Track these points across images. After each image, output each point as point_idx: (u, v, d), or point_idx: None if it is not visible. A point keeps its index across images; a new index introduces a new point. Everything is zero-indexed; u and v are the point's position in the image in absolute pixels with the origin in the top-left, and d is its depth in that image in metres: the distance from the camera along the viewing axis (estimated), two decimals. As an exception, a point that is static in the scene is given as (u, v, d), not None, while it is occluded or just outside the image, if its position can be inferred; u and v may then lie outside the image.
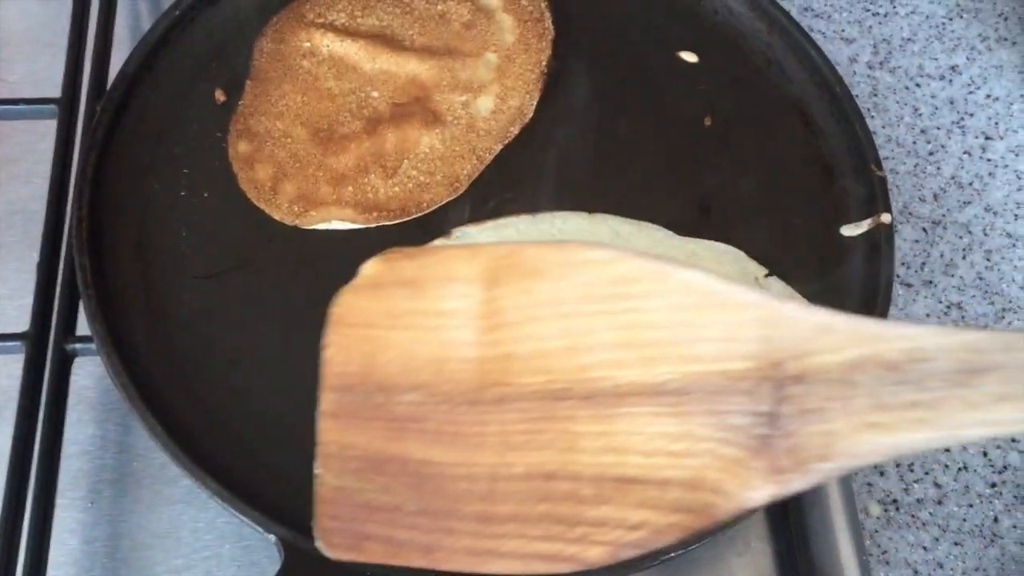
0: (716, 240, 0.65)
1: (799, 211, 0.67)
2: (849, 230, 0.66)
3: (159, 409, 0.56)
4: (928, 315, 0.75)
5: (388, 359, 0.43)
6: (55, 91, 0.70)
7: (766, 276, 0.64)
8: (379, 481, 0.42)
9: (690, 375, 0.38)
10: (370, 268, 0.45)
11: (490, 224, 0.65)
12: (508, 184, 0.67)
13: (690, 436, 0.38)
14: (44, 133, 0.71)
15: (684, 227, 0.66)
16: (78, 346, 0.61)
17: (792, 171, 0.68)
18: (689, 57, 0.72)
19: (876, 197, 0.65)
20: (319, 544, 0.44)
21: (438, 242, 0.64)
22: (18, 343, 0.61)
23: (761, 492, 0.37)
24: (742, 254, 0.65)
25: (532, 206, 0.66)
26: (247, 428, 0.58)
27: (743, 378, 0.37)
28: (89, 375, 0.66)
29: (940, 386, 0.34)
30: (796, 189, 0.68)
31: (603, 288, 0.40)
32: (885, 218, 0.64)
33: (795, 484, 0.37)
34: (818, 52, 0.70)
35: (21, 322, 0.62)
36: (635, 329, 0.39)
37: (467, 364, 0.42)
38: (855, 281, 0.64)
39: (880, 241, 0.64)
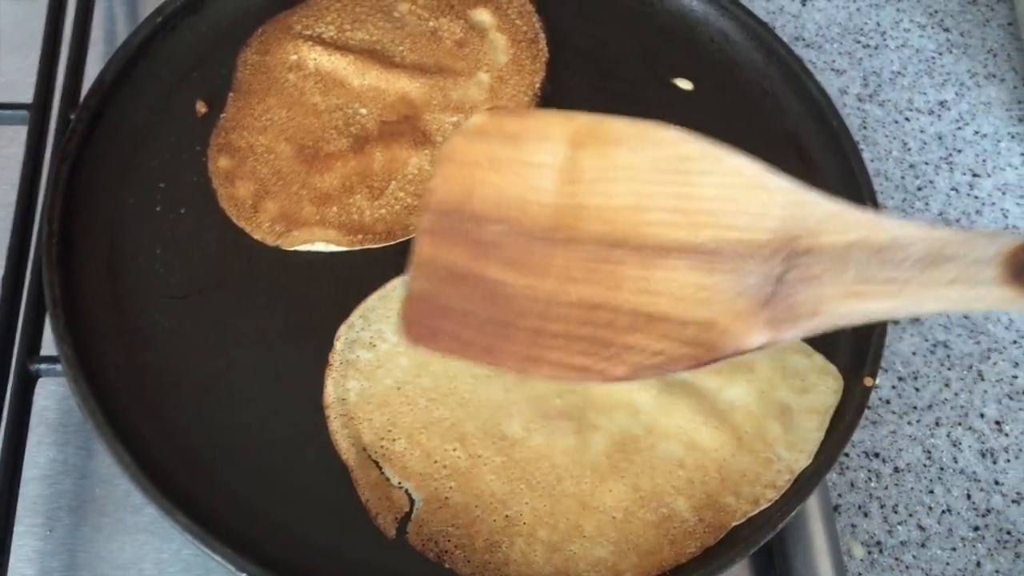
0: (708, 273, 0.64)
1: (792, 246, 0.66)
2: (843, 267, 0.65)
3: (127, 436, 0.53)
4: (914, 353, 0.74)
5: (483, 194, 0.51)
6: (25, 96, 0.67)
7: (759, 313, 0.63)
8: (459, 291, 0.51)
9: (725, 240, 0.46)
10: (479, 118, 0.52)
11: (478, 250, 0.63)
12: (497, 209, 0.65)
13: (714, 288, 0.46)
14: (11, 138, 0.68)
15: (676, 259, 0.64)
16: (42, 367, 0.58)
17: (786, 205, 0.67)
18: (684, 85, 0.71)
19: (871, 235, 0.64)
20: (402, 332, 0.52)
21: (424, 267, 0.62)
22: (-22, 362, 0.57)
23: (759, 337, 0.46)
24: (735, 289, 0.63)
25: (521, 233, 0.64)
26: (218, 458, 0.55)
27: (765, 246, 0.45)
28: (50, 395, 0.63)
29: (911, 267, 0.42)
30: (790, 224, 0.66)
31: (669, 162, 0.48)
32: (880, 257, 0.63)
33: (787, 334, 0.45)
34: (815, 85, 0.69)
35: (-19, 338, 0.59)
36: (689, 199, 0.47)
37: (546, 208, 0.50)
38: (849, 321, 0.63)
39: (875, 280, 0.63)
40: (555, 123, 0.50)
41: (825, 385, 0.61)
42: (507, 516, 0.55)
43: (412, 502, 0.55)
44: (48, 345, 0.58)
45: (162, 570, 0.60)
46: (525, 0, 0.73)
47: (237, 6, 0.69)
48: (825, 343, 0.62)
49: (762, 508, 0.56)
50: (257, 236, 0.62)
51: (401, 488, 0.55)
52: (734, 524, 0.56)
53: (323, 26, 0.70)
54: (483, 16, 0.72)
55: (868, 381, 0.59)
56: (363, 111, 0.67)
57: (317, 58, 0.68)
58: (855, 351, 0.61)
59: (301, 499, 0.55)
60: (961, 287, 0.42)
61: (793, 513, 0.56)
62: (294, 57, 0.68)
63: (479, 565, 0.54)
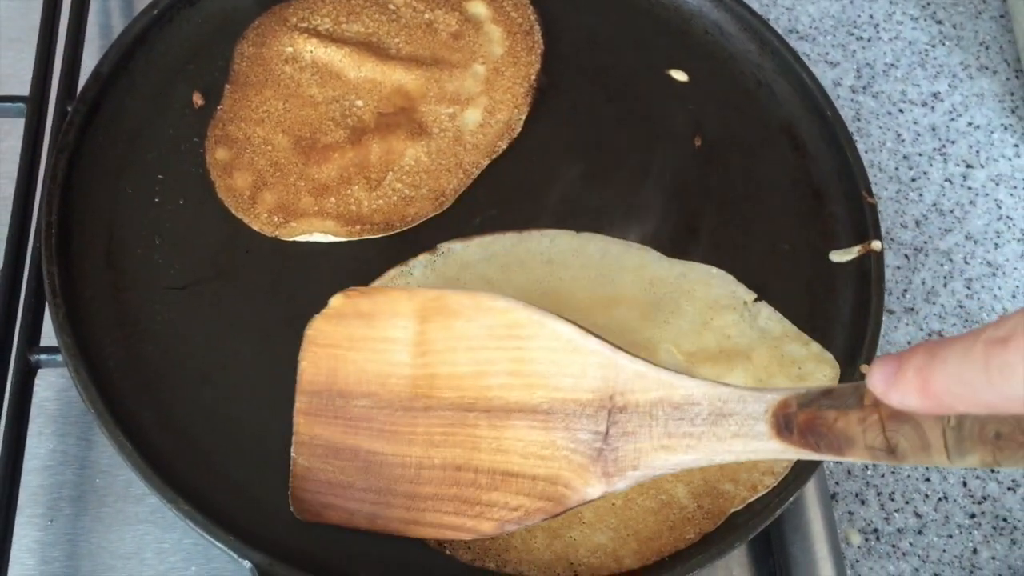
0: (705, 262, 0.64)
1: (788, 235, 0.66)
2: (838, 256, 0.65)
3: (128, 426, 0.53)
4: (909, 342, 0.75)
5: (347, 372, 0.55)
6: (21, 88, 0.67)
7: (755, 301, 0.63)
8: (337, 464, 0.55)
9: (555, 400, 0.51)
10: (336, 301, 0.56)
11: (476, 240, 0.63)
12: (495, 200, 0.65)
13: (552, 445, 0.51)
14: (8, 131, 0.68)
15: (673, 248, 0.65)
16: (42, 357, 0.58)
17: (782, 195, 0.68)
18: (679, 76, 0.71)
19: (867, 224, 0.65)
20: (293, 509, 0.55)
21: (423, 258, 0.63)
22: (-22, 353, 0.57)
23: (596, 489, 0.50)
24: (731, 278, 0.64)
25: (519, 223, 0.64)
26: (219, 447, 0.56)
27: (588, 405, 0.50)
28: (50, 386, 0.63)
29: (702, 424, 0.47)
30: (785, 213, 0.67)
31: (501, 329, 0.53)
32: (876, 245, 0.64)
33: (618, 485, 0.49)
34: (809, 75, 0.70)
35: (-20, 330, 0.59)
36: (521, 362, 0.52)
37: (403, 379, 0.54)
38: (845, 308, 0.63)
39: (870, 268, 0.63)
40: (402, 300, 0.54)
41: (821, 373, 0.61)
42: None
43: (412, 490, 0.55)
44: (47, 336, 0.59)
45: (163, 560, 0.60)
46: (520, -8, 0.73)
47: (233, -2, 0.69)
48: (822, 332, 0.63)
49: (760, 495, 0.57)
50: (255, 227, 0.63)
51: (401, 476, 0.56)
52: (732, 510, 0.57)
53: (319, 18, 0.71)
54: (478, 8, 0.72)
55: (864, 369, 0.60)
56: (359, 103, 0.67)
57: (313, 50, 0.68)
58: (851, 339, 0.62)
59: (302, 487, 0.55)
60: (742, 440, 0.46)
61: (791, 500, 0.56)
62: (290, 49, 0.69)
63: (480, 551, 0.54)
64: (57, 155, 0.60)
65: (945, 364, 0.34)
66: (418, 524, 0.53)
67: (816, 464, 0.57)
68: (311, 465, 0.55)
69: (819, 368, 0.61)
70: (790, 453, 0.44)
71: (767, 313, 0.63)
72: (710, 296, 0.63)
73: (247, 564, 0.51)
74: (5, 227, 0.62)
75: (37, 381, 0.60)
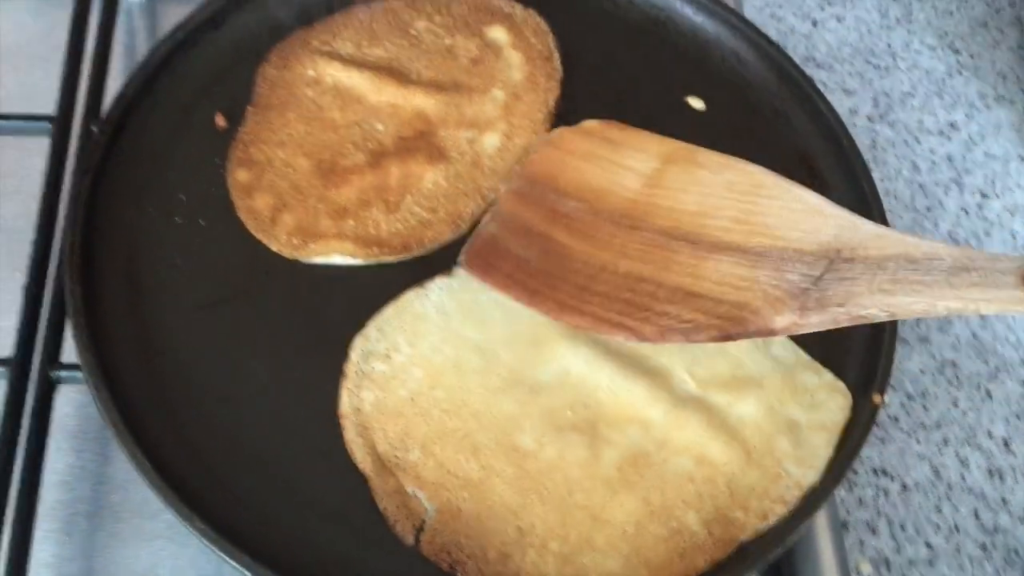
0: (719, 290, 0.65)
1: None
2: (853, 286, 0.65)
3: (145, 444, 0.54)
4: (923, 372, 0.75)
5: (571, 177, 0.61)
6: (47, 107, 0.68)
7: (769, 329, 0.63)
8: (523, 241, 0.60)
9: (774, 247, 0.54)
10: (589, 123, 0.64)
11: (492, 264, 0.64)
12: (511, 224, 0.66)
13: (753, 279, 0.54)
14: (34, 150, 0.69)
15: (687, 276, 0.65)
16: (63, 373, 0.59)
17: (796, 223, 0.68)
18: (696, 103, 0.72)
19: (881, 254, 0.65)
20: (462, 259, 0.61)
21: (439, 280, 0.63)
22: (1, 369, 0.58)
23: (785, 319, 0.53)
24: (746, 306, 0.64)
25: (535, 248, 0.65)
26: (235, 467, 0.56)
27: (810, 254, 0.53)
28: (69, 402, 0.64)
29: (939, 274, 0.50)
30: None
31: (742, 185, 0.58)
32: (890, 275, 0.64)
33: (811, 318, 0.52)
34: (827, 105, 0.70)
35: (3, 346, 0.60)
36: (751, 214, 0.56)
37: (622, 199, 0.59)
38: (858, 337, 0.63)
39: (884, 299, 0.63)
40: (653, 141, 0.61)
41: (834, 402, 0.61)
42: (519, 527, 0.56)
43: (427, 511, 0.56)
44: (68, 353, 0.59)
45: (178, 575, 0.60)
46: (540, 19, 0.74)
47: (256, 22, 0.70)
48: (835, 361, 0.63)
49: (771, 523, 0.57)
50: (275, 248, 0.63)
51: (416, 496, 0.56)
52: (743, 539, 0.57)
53: (341, 43, 0.71)
54: (498, 34, 0.73)
55: (877, 399, 0.60)
56: (380, 127, 0.68)
57: (335, 74, 0.69)
58: (864, 369, 0.62)
59: (316, 507, 0.56)
60: (980, 289, 0.49)
61: (802, 528, 0.56)
62: (312, 73, 0.69)
63: (491, 575, 0.55)
64: (81, 175, 0.61)
65: None
66: (577, 312, 0.56)
67: (828, 494, 0.58)
68: (499, 233, 0.60)
69: (831, 397, 0.61)
70: None
71: (781, 342, 0.63)
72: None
73: (261, 584, 0.51)
74: (28, 244, 0.63)
75: (57, 398, 0.61)
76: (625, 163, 0.60)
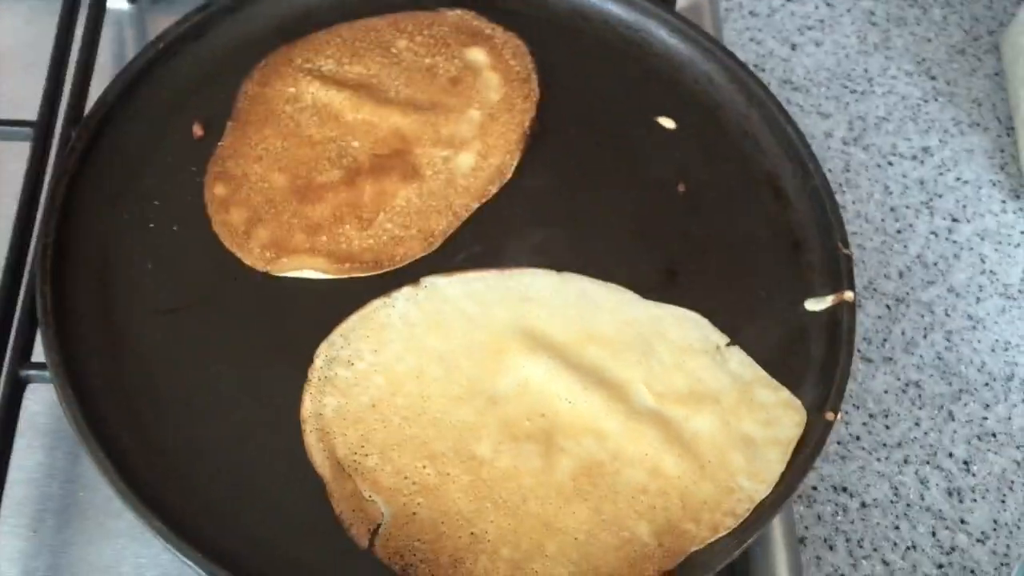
0: (681, 305, 0.66)
1: (765, 282, 0.67)
2: (813, 304, 0.66)
3: (109, 444, 0.55)
4: (886, 392, 0.76)
5: None
6: (31, 113, 0.70)
7: (728, 345, 0.65)
8: None
9: None
10: None
11: (458, 276, 0.65)
12: (480, 238, 0.67)
13: None
14: (16, 154, 0.71)
15: (651, 290, 0.66)
16: (32, 372, 0.60)
17: (761, 243, 0.69)
18: (667, 123, 0.73)
19: (841, 274, 0.66)
20: None
21: (406, 291, 0.64)
22: (-29, 366, 0.60)
23: None
24: (705, 321, 0.65)
25: (502, 261, 0.66)
26: (196, 468, 0.57)
27: None
28: (41, 401, 0.65)
29: None
30: (764, 260, 0.68)
31: None
32: (848, 296, 0.65)
33: None
34: (794, 128, 0.71)
35: (-26, 345, 0.62)
36: None
37: None
38: (816, 355, 0.64)
39: (842, 318, 0.65)
40: None
41: (789, 419, 0.62)
42: (472, 533, 0.57)
43: (383, 515, 0.57)
44: (39, 353, 0.61)
45: (140, 574, 0.61)
46: (520, 41, 0.75)
47: (238, 35, 0.72)
48: (792, 378, 0.64)
49: (720, 535, 0.58)
50: (248, 261, 0.64)
51: (372, 501, 0.57)
52: (693, 549, 0.58)
53: (323, 59, 0.73)
54: (478, 56, 0.75)
55: (830, 416, 0.61)
56: (356, 144, 0.70)
57: (315, 92, 0.71)
58: (820, 387, 0.63)
59: (274, 509, 0.57)
60: None
61: (750, 540, 0.57)
62: (292, 90, 0.71)
63: (442, 580, 0.56)
64: (57, 178, 0.62)
65: None
66: None
67: (777, 508, 0.59)
68: None
69: (787, 414, 0.62)
70: None
71: (739, 358, 0.64)
72: (684, 339, 0.65)
73: (215, 582, 0.52)
74: (3, 245, 0.64)
75: (30, 396, 0.62)
76: None
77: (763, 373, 0.64)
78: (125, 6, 0.82)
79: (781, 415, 0.62)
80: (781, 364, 0.64)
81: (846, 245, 0.67)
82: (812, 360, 0.64)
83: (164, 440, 0.58)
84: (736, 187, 0.71)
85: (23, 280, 0.63)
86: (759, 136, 0.73)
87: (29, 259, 0.64)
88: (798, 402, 0.63)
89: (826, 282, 0.67)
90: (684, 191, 0.70)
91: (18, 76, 0.78)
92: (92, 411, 0.56)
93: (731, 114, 0.73)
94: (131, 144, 0.67)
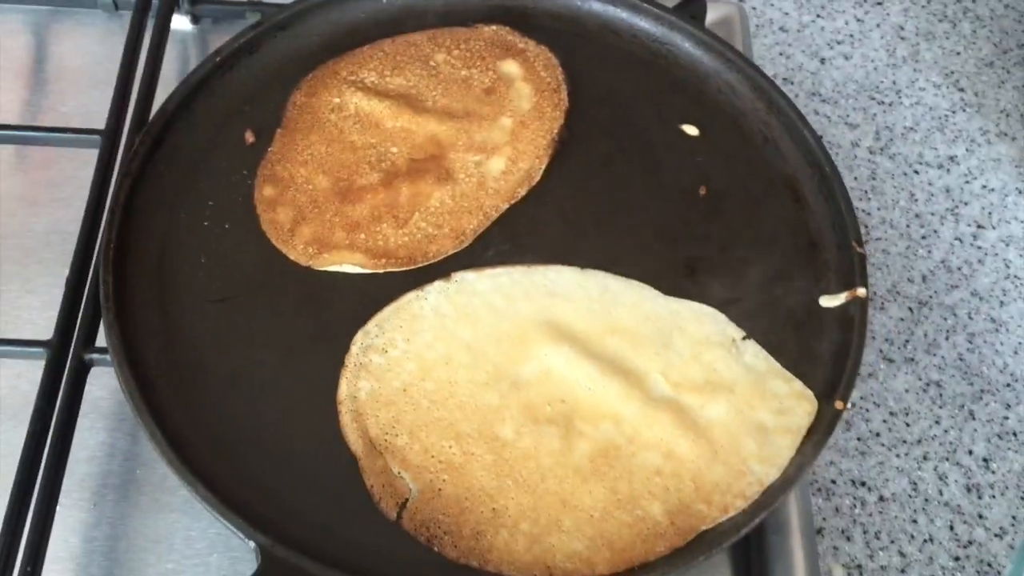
0: (700, 301, 0.69)
1: (782, 280, 0.70)
2: (827, 301, 0.69)
3: (159, 416, 0.60)
4: (907, 391, 0.78)
5: None
6: (101, 124, 0.76)
7: (743, 339, 0.68)
8: None
9: None
10: None
11: (487, 271, 0.70)
12: (508, 237, 0.71)
13: None
14: (88, 161, 0.77)
15: (671, 287, 0.70)
16: (95, 356, 0.66)
17: (779, 242, 0.72)
18: (691, 130, 0.77)
19: (855, 272, 0.69)
20: None
21: (437, 284, 0.69)
22: (41, 350, 0.66)
23: None
24: (722, 316, 0.68)
25: (528, 258, 0.70)
26: (240, 443, 0.62)
27: None
28: (104, 387, 0.70)
29: None
30: (781, 259, 0.71)
31: None
32: (861, 292, 0.68)
33: None
34: (812, 133, 0.74)
35: (48, 332, 0.67)
36: None
37: None
38: (828, 349, 0.67)
39: (855, 314, 0.67)
40: None
41: (801, 408, 0.65)
42: (494, 509, 0.61)
43: (411, 491, 0.61)
44: (103, 339, 0.66)
45: (190, 545, 0.66)
46: (551, 54, 0.80)
47: (287, 50, 0.78)
48: (805, 370, 0.67)
49: (730, 515, 0.61)
50: (292, 257, 0.69)
51: (401, 477, 0.61)
52: (703, 528, 0.61)
53: (366, 72, 0.78)
54: (511, 67, 0.79)
55: (839, 405, 0.64)
56: (394, 149, 0.74)
57: (357, 102, 0.76)
58: (831, 377, 0.66)
59: (311, 482, 0.61)
60: None
61: (758, 520, 0.60)
62: (337, 100, 0.76)
63: (464, 551, 0.59)
64: (121, 179, 0.68)
65: None
66: None
67: (785, 491, 0.61)
68: None
69: (799, 404, 0.65)
70: None
71: (754, 351, 0.67)
72: (701, 332, 0.68)
73: (252, 544, 0.57)
74: (75, 243, 0.70)
75: (94, 381, 0.68)
76: None
77: (777, 365, 0.67)
78: (189, 27, 0.89)
79: (793, 405, 0.65)
80: (795, 357, 0.67)
81: (860, 244, 0.70)
82: (825, 353, 0.67)
83: (212, 417, 0.63)
84: (756, 190, 0.74)
85: (89, 273, 0.69)
86: (779, 142, 0.76)
87: (96, 254, 0.69)
88: (810, 392, 0.65)
89: (840, 280, 0.70)
90: (705, 194, 0.74)
91: (91, 91, 0.84)
92: (146, 388, 0.61)
93: (752, 121, 0.77)
94: (189, 149, 0.72)
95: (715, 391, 0.65)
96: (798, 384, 0.66)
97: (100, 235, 0.69)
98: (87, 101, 0.84)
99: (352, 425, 0.63)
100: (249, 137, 0.74)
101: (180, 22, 0.88)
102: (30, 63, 0.86)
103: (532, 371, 0.65)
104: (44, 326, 0.69)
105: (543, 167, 0.74)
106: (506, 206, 0.73)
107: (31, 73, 0.86)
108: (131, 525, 0.67)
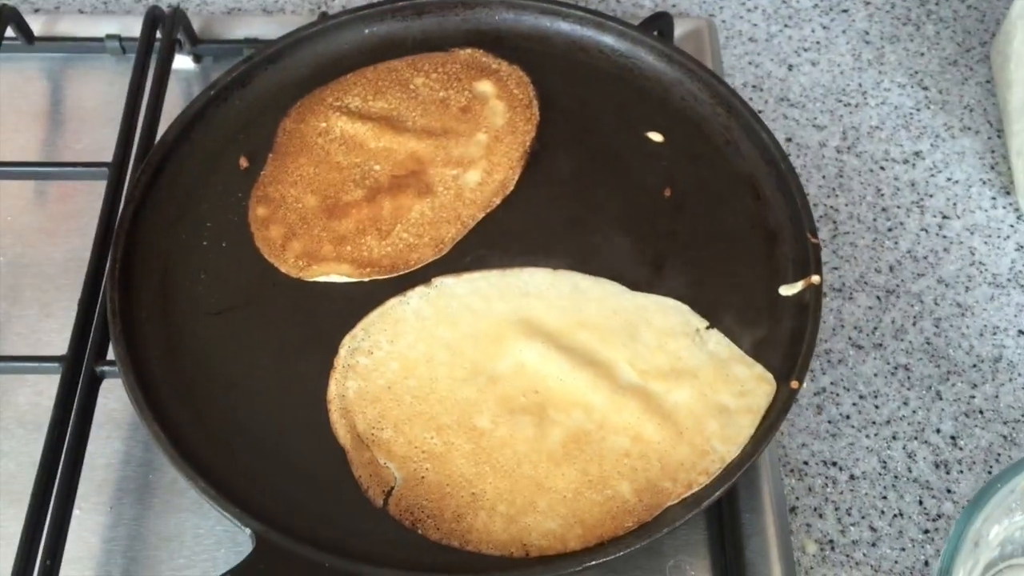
0: (667, 295, 0.74)
1: (744, 272, 0.75)
2: (786, 290, 0.73)
3: (163, 418, 0.66)
4: (876, 375, 0.81)
5: None
6: (110, 158, 0.82)
7: (707, 328, 0.72)
8: None
9: None
10: None
11: (465, 276, 0.75)
12: (485, 243, 0.76)
13: None
14: (101, 194, 0.83)
15: (639, 283, 0.74)
16: (106, 368, 0.71)
17: (741, 237, 0.76)
18: (656, 137, 0.82)
19: (810, 261, 0.73)
20: None
21: (419, 289, 0.74)
22: (56, 364, 0.71)
23: None
24: (686, 307, 0.73)
25: (504, 261, 0.75)
26: (238, 441, 0.67)
27: None
28: (118, 399, 0.76)
29: None
30: (742, 252, 0.76)
31: None
32: (815, 279, 0.72)
33: None
34: (768, 134, 0.79)
35: (63, 349, 0.73)
36: None
37: None
38: (785, 333, 0.71)
39: (810, 300, 0.71)
40: None
41: (761, 389, 0.69)
42: (473, 493, 0.65)
43: (396, 479, 0.66)
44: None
45: (199, 542, 0.71)
46: (523, 73, 0.85)
47: (277, 81, 0.84)
48: (765, 355, 0.71)
49: (694, 491, 0.65)
50: (284, 270, 0.75)
51: (387, 467, 0.66)
52: (669, 504, 0.65)
53: (350, 97, 0.84)
54: (485, 87, 0.85)
55: (794, 384, 0.68)
56: (377, 167, 0.80)
57: (343, 125, 0.82)
58: (787, 360, 0.70)
59: (304, 474, 0.66)
60: None
61: (719, 493, 0.64)
62: (323, 124, 0.82)
63: (446, 532, 0.64)
64: (125, 205, 0.74)
65: None
66: None
67: (744, 465, 0.65)
68: None
69: (759, 386, 0.69)
70: None
71: (717, 339, 0.72)
72: (666, 324, 0.72)
73: (247, 531, 0.62)
74: (87, 266, 0.76)
75: (108, 393, 0.74)
76: None
77: (739, 351, 0.71)
78: (192, 66, 0.95)
79: (754, 387, 0.69)
80: (756, 343, 0.71)
81: (815, 235, 0.74)
82: (783, 338, 0.71)
83: (212, 418, 0.68)
84: (718, 189, 0.79)
85: (100, 293, 0.75)
86: (739, 143, 0.80)
87: (106, 274, 0.75)
88: (769, 375, 0.70)
89: (797, 269, 0.74)
90: (671, 195, 0.78)
91: (103, 128, 0.90)
92: (150, 392, 0.67)
93: (714, 126, 0.81)
94: (187, 176, 0.78)
95: (680, 377, 0.70)
96: (759, 368, 0.70)
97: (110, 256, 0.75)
98: (99, 137, 0.90)
99: (341, 421, 0.68)
100: (243, 162, 0.80)
101: (183, 62, 0.95)
102: (47, 106, 0.93)
103: (507, 366, 0.70)
104: (61, 346, 0.74)
105: (516, 177, 0.80)
106: (482, 215, 0.78)
107: (48, 115, 0.93)
108: (145, 525, 0.72)
